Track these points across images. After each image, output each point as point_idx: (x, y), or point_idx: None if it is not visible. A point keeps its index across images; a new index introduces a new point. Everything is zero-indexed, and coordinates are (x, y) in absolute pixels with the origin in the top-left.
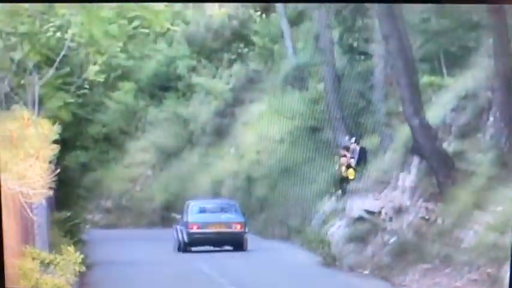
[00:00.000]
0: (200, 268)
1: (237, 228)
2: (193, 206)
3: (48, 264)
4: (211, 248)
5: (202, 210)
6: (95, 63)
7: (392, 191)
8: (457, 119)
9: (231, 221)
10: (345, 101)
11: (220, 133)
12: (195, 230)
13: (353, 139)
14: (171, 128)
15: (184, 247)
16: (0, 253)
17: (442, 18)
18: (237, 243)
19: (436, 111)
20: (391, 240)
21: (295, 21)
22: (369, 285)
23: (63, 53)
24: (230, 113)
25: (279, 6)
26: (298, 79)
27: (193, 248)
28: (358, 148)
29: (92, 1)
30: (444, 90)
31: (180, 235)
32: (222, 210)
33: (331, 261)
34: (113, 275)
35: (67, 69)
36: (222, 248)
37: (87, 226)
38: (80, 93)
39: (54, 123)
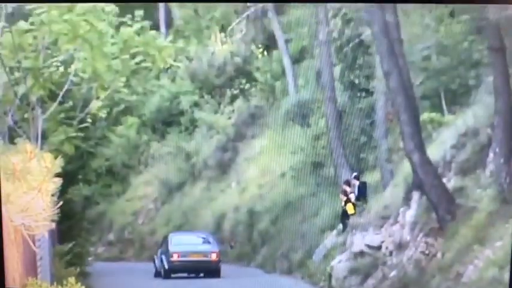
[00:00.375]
0: None
1: (213, 257)
2: (174, 237)
3: None
4: (186, 274)
5: (182, 241)
6: (97, 98)
7: (392, 225)
8: (457, 156)
9: (208, 251)
10: (346, 137)
11: (222, 167)
12: (176, 258)
13: (354, 174)
14: (174, 162)
15: (165, 274)
16: (0, 253)
17: (443, 56)
18: (213, 270)
19: (436, 148)
20: (392, 274)
21: (296, 58)
22: None
23: (66, 87)
24: (232, 148)
25: (280, 43)
26: (300, 115)
27: (173, 275)
28: (357, 183)
29: (92, 1)
30: (444, 127)
31: (160, 263)
32: (200, 241)
33: None
34: None
35: (70, 103)
36: (198, 275)
37: (90, 259)
38: (82, 127)
39: (57, 157)
